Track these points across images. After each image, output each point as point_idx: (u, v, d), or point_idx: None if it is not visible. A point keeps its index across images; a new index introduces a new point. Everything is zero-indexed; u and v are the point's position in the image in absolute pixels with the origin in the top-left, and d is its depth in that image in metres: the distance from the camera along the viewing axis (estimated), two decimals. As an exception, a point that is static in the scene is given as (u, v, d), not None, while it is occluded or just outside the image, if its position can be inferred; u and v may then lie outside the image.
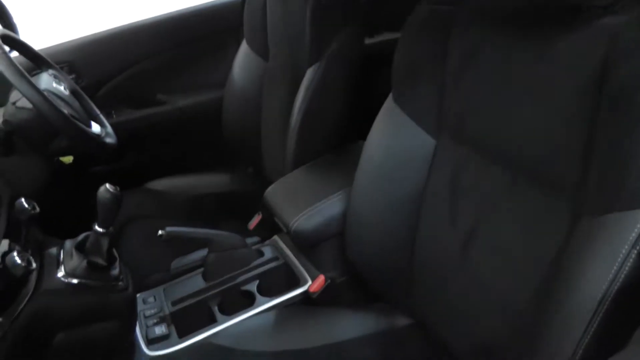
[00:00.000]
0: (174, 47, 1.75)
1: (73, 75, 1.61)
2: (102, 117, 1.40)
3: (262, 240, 1.37)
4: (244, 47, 1.62)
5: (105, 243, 1.01)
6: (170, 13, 1.76)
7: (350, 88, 1.32)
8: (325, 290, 1.14)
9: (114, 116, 1.66)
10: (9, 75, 1.05)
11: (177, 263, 1.32)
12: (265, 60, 1.52)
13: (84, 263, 0.98)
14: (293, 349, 0.97)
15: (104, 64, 1.68)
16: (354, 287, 1.16)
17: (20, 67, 1.08)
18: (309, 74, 1.27)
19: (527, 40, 0.75)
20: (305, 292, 1.16)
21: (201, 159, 1.87)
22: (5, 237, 0.91)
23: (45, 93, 1.11)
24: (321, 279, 1.13)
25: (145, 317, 1.15)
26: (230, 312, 1.15)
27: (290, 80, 1.35)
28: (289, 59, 1.39)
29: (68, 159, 1.41)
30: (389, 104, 1.00)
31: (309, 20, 1.26)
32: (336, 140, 1.35)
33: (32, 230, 1.04)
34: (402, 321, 1.03)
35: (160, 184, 1.70)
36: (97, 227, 0.99)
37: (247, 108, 1.58)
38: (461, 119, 0.87)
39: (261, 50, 1.53)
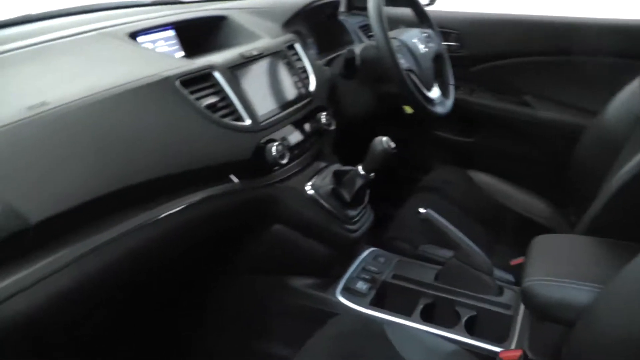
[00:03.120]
0: (561, 53, 1.57)
1: (458, 44, 1.66)
2: (451, 87, 1.42)
3: (516, 283, 1.21)
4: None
5: (358, 183, 1.08)
6: (579, 18, 1.56)
7: None
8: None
9: (473, 95, 1.65)
10: (372, 17, 1.17)
11: (427, 248, 1.30)
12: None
13: (329, 188, 1.07)
14: None
15: (488, 44, 1.66)
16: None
17: (384, 14, 1.18)
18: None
19: None
20: (493, 352, 1.00)
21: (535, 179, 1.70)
22: None
23: (396, 42, 1.19)
24: (518, 352, 0.95)
25: (363, 269, 1.19)
26: (428, 318, 1.09)
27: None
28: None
29: (409, 109, 1.49)
30: None
31: None
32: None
33: (322, 144, 1.17)
34: None
35: (481, 177, 1.63)
36: (359, 168, 1.06)
37: (605, 152, 1.34)
38: None
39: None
